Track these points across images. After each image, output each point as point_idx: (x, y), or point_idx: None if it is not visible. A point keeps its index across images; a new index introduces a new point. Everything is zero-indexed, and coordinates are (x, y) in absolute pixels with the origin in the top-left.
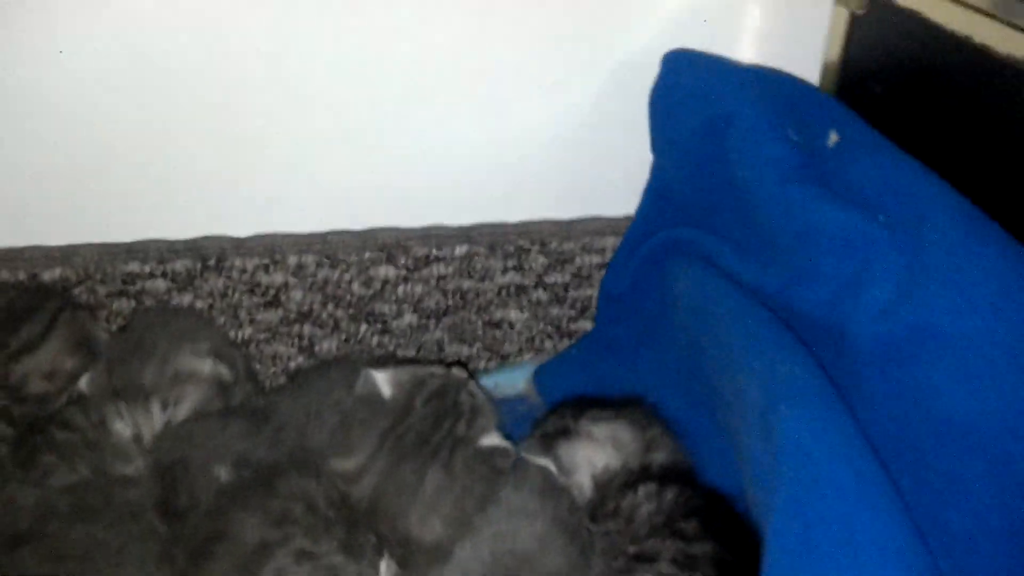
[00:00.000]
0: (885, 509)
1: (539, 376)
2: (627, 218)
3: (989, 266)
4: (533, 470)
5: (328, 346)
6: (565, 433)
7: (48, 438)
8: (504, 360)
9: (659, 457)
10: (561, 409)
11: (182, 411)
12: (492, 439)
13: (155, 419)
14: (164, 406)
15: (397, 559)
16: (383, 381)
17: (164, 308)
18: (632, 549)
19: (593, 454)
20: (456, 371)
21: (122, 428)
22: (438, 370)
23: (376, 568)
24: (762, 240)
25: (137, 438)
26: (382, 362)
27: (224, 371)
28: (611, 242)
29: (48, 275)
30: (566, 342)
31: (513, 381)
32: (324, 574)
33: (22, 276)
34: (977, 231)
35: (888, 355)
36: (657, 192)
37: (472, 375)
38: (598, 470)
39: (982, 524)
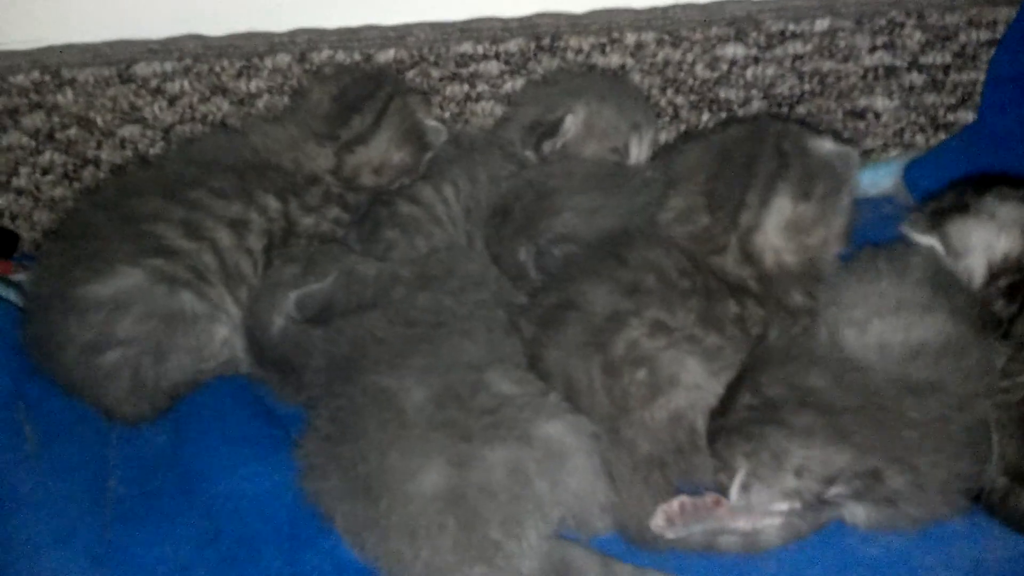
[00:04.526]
0: None
1: (910, 172)
2: None
3: None
4: (915, 256)
5: (665, 137)
6: (961, 209)
7: (393, 211)
8: (867, 156)
9: None
10: (961, 184)
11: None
12: None
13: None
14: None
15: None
16: None
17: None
18: None
19: (993, 236)
20: None
21: None
22: None
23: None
24: None
25: None
26: None
27: None
28: (1004, 13)
29: (382, 56)
30: (941, 136)
31: (877, 180)
32: (685, 345)
33: (357, 57)
34: None
35: None
36: None
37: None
38: (996, 256)
39: None
